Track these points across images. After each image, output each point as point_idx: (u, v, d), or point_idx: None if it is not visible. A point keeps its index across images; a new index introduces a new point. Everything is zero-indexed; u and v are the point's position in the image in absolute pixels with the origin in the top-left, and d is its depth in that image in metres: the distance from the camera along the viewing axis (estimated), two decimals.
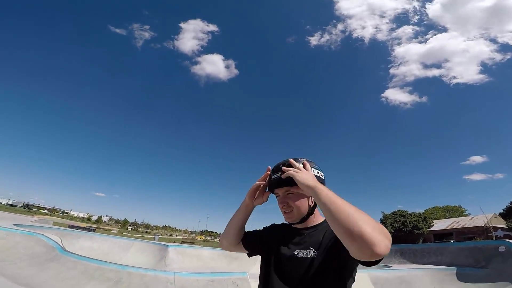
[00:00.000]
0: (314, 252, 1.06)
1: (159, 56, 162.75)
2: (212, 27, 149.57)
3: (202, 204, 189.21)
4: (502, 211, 41.66)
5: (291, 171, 1.08)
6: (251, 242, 1.33)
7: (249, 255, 1.36)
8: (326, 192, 0.94)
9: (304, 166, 1.13)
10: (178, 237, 57.90)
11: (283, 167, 1.13)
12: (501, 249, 8.35)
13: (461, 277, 7.48)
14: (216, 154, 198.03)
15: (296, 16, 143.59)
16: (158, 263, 10.54)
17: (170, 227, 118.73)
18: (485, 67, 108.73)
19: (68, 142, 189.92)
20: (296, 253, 1.10)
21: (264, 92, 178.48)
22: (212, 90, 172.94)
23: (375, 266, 1.03)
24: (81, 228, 23.93)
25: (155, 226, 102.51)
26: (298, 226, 1.19)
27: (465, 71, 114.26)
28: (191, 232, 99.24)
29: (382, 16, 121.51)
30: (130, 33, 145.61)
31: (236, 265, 12.06)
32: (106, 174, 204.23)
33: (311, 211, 1.16)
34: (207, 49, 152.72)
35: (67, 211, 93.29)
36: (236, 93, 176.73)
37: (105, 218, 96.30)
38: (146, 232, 63.32)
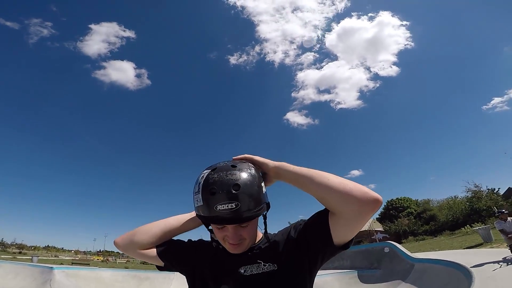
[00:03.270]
0: (270, 265, 0.87)
1: (55, 56, 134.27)
2: (129, 33, 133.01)
3: (98, 223, 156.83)
4: (378, 217, 51.58)
5: (252, 157, 0.92)
6: (174, 253, 0.98)
7: (163, 268, 1.01)
8: (292, 165, 0.87)
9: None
10: (66, 258, 48.28)
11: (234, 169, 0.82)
12: (386, 250, 10.03)
13: (362, 279, 8.60)
14: (115, 165, 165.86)
15: (220, 33, 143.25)
16: None
17: (55, 247, 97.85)
18: (361, 93, 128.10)
19: None
20: (254, 272, 0.88)
21: (177, 105, 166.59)
22: (115, 99, 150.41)
23: None
24: None
25: (32, 246, 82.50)
26: None
27: (348, 97, 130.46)
28: (85, 253, 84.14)
29: (291, 42, 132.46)
30: (24, 28, 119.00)
31: (147, 285, 10.90)
32: None
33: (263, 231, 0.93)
34: (117, 54, 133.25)
35: None
36: (146, 103, 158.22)
37: None
38: (20, 253, 50.43)
